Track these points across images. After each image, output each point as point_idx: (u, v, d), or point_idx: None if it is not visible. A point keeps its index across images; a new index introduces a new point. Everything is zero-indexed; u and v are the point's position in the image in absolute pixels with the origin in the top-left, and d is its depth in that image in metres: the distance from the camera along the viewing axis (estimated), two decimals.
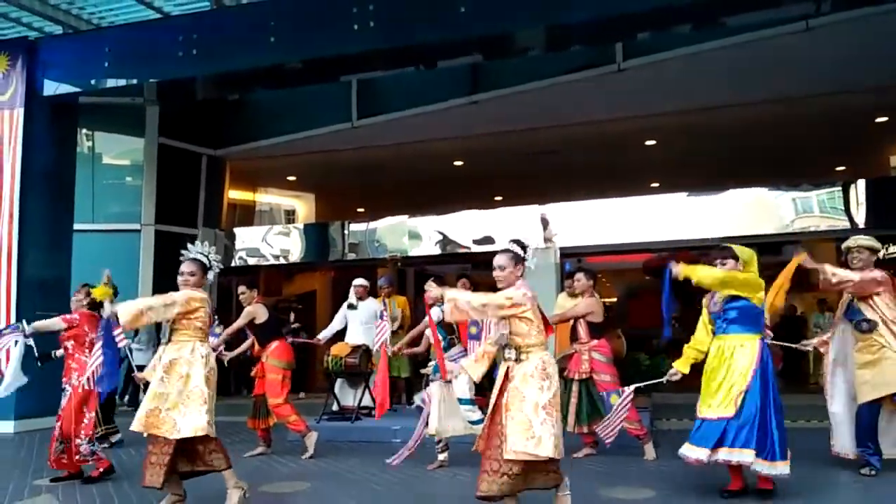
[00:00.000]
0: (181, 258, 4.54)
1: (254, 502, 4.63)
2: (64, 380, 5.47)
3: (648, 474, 5.30)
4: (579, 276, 6.24)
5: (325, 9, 7.86)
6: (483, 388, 6.34)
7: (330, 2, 7.87)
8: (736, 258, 4.64)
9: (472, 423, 5.47)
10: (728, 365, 4.43)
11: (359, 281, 8.30)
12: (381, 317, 7.36)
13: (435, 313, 5.43)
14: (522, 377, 3.70)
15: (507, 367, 3.79)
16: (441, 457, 5.75)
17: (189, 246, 4.61)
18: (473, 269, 11.18)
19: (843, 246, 5.39)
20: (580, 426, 5.99)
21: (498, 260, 3.82)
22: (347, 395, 7.95)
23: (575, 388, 6.02)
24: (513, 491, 3.69)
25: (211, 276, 4.57)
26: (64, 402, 5.42)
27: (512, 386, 3.71)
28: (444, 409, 5.64)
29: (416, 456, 5.88)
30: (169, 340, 4.34)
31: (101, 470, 5.46)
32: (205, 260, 4.54)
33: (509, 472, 3.61)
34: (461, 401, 5.52)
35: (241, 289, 6.47)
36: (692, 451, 4.43)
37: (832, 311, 11.05)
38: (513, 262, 3.80)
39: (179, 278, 4.44)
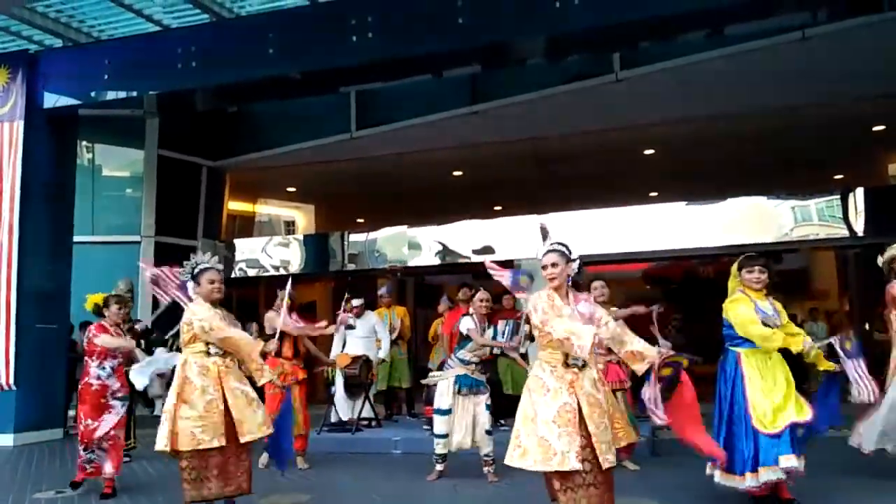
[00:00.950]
0: (190, 268, 4.53)
1: None
2: (124, 390, 5.50)
3: (651, 485, 5.28)
4: (597, 283, 5.89)
5: (323, 21, 7.90)
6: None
7: (328, 14, 7.91)
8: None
9: (487, 431, 5.62)
10: (780, 372, 4.44)
11: (353, 302, 8.31)
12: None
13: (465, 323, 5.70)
14: (593, 382, 3.69)
15: (572, 377, 3.64)
16: (439, 467, 5.74)
17: (200, 256, 4.60)
18: (473, 279, 11.18)
19: (887, 257, 5.35)
20: None
21: (551, 258, 3.76)
22: (347, 406, 7.93)
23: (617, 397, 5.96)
24: None
25: None
26: (123, 411, 5.48)
27: (587, 393, 3.64)
28: (461, 424, 5.63)
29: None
30: (226, 355, 4.44)
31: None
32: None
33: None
34: (487, 407, 5.65)
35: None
36: (790, 460, 4.26)
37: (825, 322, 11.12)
38: (564, 259, 3.75)
39: (213, 286, 4.43)
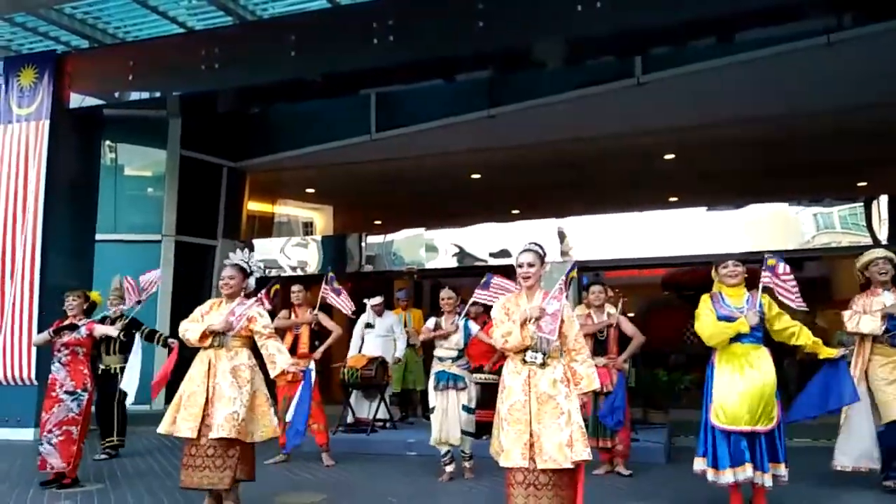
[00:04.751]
0: (226, 264, 4.80)
1: None
2: (73, 384, 5.62)
3: (660, 490, 5.24)
4: (595, 288, 6.22)
5: (344, 24, 7.95)
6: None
7: (349, 17, 7.97)
8: None
9: (465, 433, 5.65)
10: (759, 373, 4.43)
11: (374, 301, 8.34)
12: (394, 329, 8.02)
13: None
14: (552, 383, 3.72)
15: (529, 374, 3.76)
16: (449, 468, 5.75)
17: (230, 254, 4.89)
18: None
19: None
20: (604, 440, 5.91)
21: (527, 257, 3.95)
22: (363, 407, 7.96)
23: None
24: None
25: (252, 280, 4.83)
26: (79, 408, 5.60)
27: (542, 392, 3.71)
28: (443, 419, 5.68)
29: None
30: (220, 346, 4.49)
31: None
32: (244, 266, 4.78)
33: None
34: (465, 409, 5.67)
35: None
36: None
37: None
38: (539, 259, 3.97)
39: (220, 282, 4.70)
